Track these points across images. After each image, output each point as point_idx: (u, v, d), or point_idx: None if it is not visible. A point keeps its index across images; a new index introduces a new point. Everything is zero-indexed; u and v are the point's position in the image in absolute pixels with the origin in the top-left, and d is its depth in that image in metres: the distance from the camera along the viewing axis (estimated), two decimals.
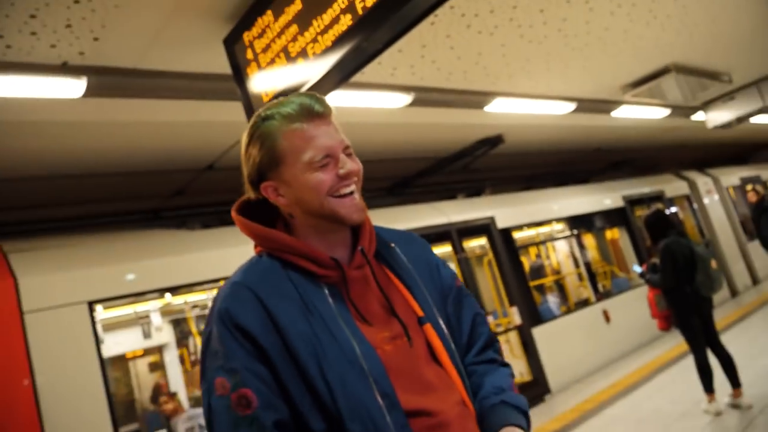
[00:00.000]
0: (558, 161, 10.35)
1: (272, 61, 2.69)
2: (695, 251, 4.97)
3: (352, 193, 1.24)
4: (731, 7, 4.82)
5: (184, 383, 7.19)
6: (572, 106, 6.36)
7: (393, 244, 1.38)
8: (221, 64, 3.04)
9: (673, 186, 11.11)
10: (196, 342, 7.18)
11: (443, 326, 1.29)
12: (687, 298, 4.93)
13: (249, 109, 2.89)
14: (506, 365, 1.38)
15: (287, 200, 1.25)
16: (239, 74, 2.90)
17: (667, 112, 8.01)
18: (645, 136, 9.98)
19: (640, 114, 7.64)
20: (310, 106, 1.21)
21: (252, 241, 1.31)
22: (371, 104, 4.51)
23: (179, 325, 7.50)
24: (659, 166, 13.04)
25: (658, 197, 10.51)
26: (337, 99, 3.98)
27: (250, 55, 2.81)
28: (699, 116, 8.60)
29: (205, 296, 6.06)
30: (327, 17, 2.35)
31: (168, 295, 5.56)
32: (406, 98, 4.62)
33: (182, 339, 7.53)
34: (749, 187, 11.78)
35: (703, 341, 4.98)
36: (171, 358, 7.52)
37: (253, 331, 1.13)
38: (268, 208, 1.32)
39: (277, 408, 1.11)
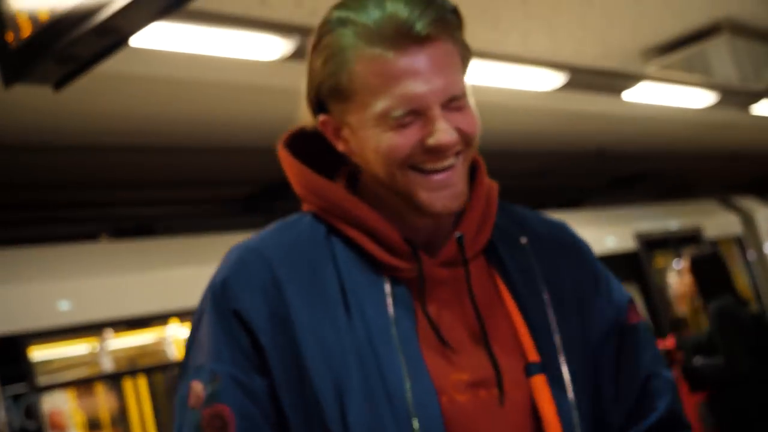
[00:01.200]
0: (536, 170, 10.68)
1: None
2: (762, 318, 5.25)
3: (445, 168, 1.22)
4: None
5: None
6: (561, 78, 6.62)
7: (525, 240, 1.38)
8: None
9: (716, 221, 11.60)
10: None
11: (568, 383, 1.26)
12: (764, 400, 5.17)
13: (2, 46, 2.80)
14: None
15: (350, 150, 1.27)
16: None
17: (712, 97, 8.47)
18: (675, 136, 10.47)
19: (669, 99, 8.08)
20: (406, 23, 1.16)
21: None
22: (225, 51, 4.50)
23: None
24: (695, 187, 13.66)
25: (693, 238, 10.92)
26: (165, 37, 3.94)
27: None
28: (763, 108, 9.14)
29: None
30: None
31: None
32: (286, 43, 4.64)
33: None
34: None
35: None
36: None
37: (254, 323, 1.18)
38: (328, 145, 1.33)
39: None
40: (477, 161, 1.38)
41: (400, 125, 1.18)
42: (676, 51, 6.59)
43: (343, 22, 1.20)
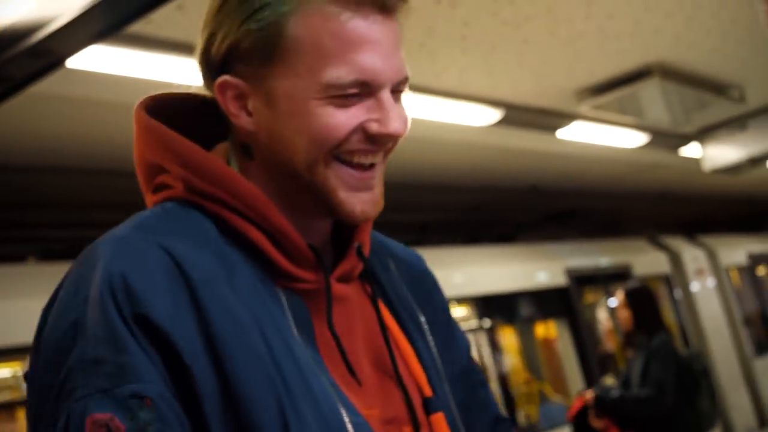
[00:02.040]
0: (470, 204, 10.75)
1: None
2: (694, 364, 5.39)
3: (371, 166, 1.11)
4: None
5: None
6: (497, 114, 6.68)
7: (393, 265, 1.30)
8: None
9: (645, 259, 11.82)
10: None
11: (459, 422, 1.20)
12: None
13: None
14: None
15: (254, 125, 1.11)
16: None
17: (642, 138, 8.63)
18: (605, 175, 10.62)
19: (601, 138, 8.21)
20: None
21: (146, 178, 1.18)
22: (157, 73, 4.49)
23: None
24: (625, 225, 13.85)
25: (622, 275, 11.02)
26: (96, 59, 3.95)
27: None
28: (692, 150, 9.33)
29: None
30: None
31: None
32: None
33: None
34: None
35: None
36: None
37: (173, 337, 0.95)
38: (208, 121, 1.18)
39: None
40: None
41: (344, 102, 1.05)
42: (609, 92, 6.70)
43: None
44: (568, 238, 11.31)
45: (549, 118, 7.33)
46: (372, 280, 1.20)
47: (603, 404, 5.42)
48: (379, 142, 1.08)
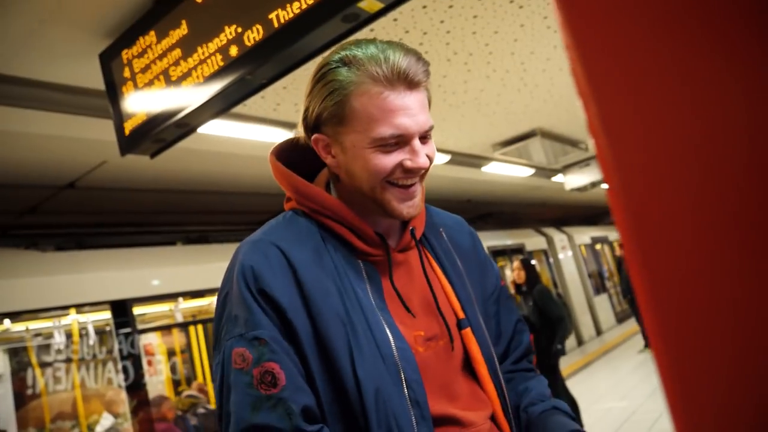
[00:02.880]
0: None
1: (150, 83, 2.60)
2: (560, 297, 5.51)
3: (413, 185, 1.06)
4: None
5: (15, 422, 6.49)
6: (447, 157, 6.66)
7: (442, 230, 1.23)
8: (95, 79, 2.89)
9: (533, 240, 11.96)
10: (36, 374, 6.54)
11: (485, 332, 1.14)
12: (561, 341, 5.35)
13: (120, 129, 2.76)
14: (540, 375, 1.25)
15: (336, 163, 1.08)
16: (113, 92, 2.77)
17: (531, 171, 8.62)
18: (511, 192, 10.65)
19: (508, 171, 8.17)
20: (405, 72, 1.00)
21: (285, 192, 1.14)
22: (250, 136, 4.47)
23: (17, 355, 6.81)
24: (522, 221, 13.93)
25: (520, 250, 11.22)
26: (213, 127, 3.93)
27: (127, 73, 2.69)
28: (559, 178, 9.34)
29: (51, 324, 5.65)
30: (213, 46, 2.33)
31: (6, 320, 5.08)
32: (288, 134, 4.62)
33: (19, 371, 6.82)
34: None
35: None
36: (4, 391, 6.76)
37: (281, 302, 0.96)
38: (314, 157, 1.13)
39: (306, 392, 0.94)
40: None
41: (387, 149, 1.02)
42: (511, 145, 6.68)
43: (346, 63, 1.02)
44: (489, 229, 11.36)
45: (477, 160, 7.29)
46: (427, 245, 1.18)
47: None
48: (413, 172, 1.04)
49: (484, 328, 1.13)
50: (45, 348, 6.05)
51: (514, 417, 1.13)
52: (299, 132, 1.13)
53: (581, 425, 1.12)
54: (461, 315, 1.11)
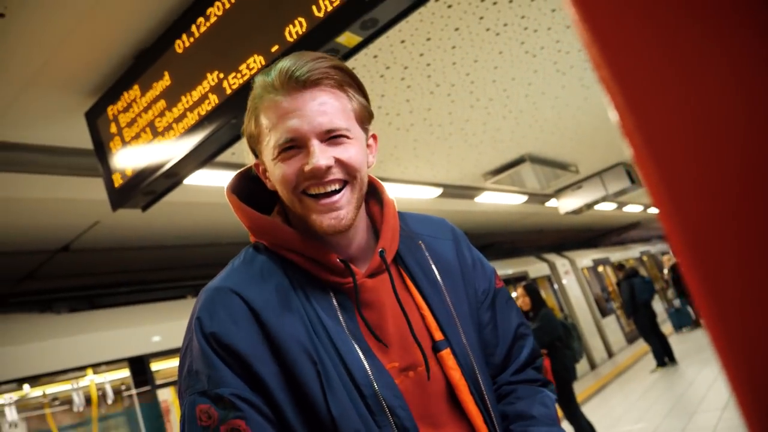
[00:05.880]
0: None
1: (137, 136, 2.62)
2: (566, 322, 5.47)
3: (329, 194, 0.97)
4: (573, 107, 5.42)
5: None
6: (439, 191, 6.69)
7: (421, 242, 1.13)
8: (83, 139, 2.91)
9: (535, 267, 11.95)
10: None
11: (469, 352, 1.04)
12: (568, 364, 5.28)
13: (110, 184, 2.77)
14: (548, 384, 1.14)
15: (273, 187, 1.02)
16: (101, 148, 2.79)
17: (524, 198, 8.64)
18: (507, 221, 10.66)
19: (501, 200, 8.18)
20: (289, 71, 0.95)
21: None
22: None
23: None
24: (521, 249, 13.90)
25: (523, 278, 11.22)
26: (201, 178, 3.94)
27: (113, 128, 2.72)
28: (553, 203, 9.36)
29: (69, 387, 5.63)
30: (196, 93, 2.35)
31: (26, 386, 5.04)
32: None
33: None
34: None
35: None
36: None
37: (244, 353, 0.89)
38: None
39: None
40: (377, 186, 1.15)
41: (287, 156, 0.96)
42: (501, 173, 6.72)
43: (256, 82, 1.00)
44: (491, 259, 11.34)
45: (469, 191, 7.31)
46: (395, 269, 1.07)
47: None
48: (317, 176, 0.94)
49: (466, 347, 1.04)
50: (65, 409, 5.93)
51: None
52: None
53: None
54: (439, 336, 1.03)
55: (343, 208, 0.97)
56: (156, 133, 2.55)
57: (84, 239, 4.86)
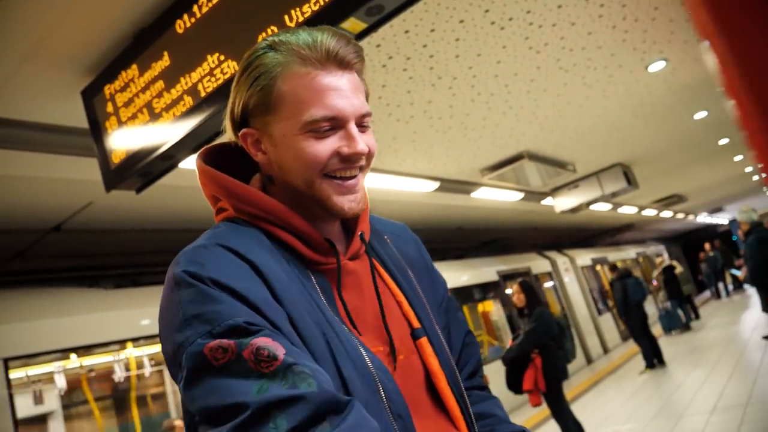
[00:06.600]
0: (422, 238, 10.71)
1: (134, 117, 2.58)
2: (560, 322, 5.47)
3: (352, 177, 0.95)
4: (574, 105, 5.39)
5: None
6: (436, 184, 6.66)
7: (387, 237, 1.13)
8: (78, 117, 2.86)
9: (537, 263, 12.38)
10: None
11: (443, 341, 1.04)
12: (559, 364, 5.28)
13: (105, 165, 2.73)
14: (494, 397, 1.15)
15: (268, 160, 0.97)
16: (97, 127, 2.74)
17: (520, 195, 8.63)
18: (501, 218, 10.65)
19: (497, 196, 8.17)
20: (334, 51, 0.92)
21: (213, 204, 1.01)
22: None
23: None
24: (515, 247, 13.94)
25: (526, 273, 11.70)
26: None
27: (110, 108, 2.67)
28: (548, 201, 9.35)
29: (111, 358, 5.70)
30: (196, 75, 2.31)
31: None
32: None
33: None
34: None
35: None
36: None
37: (252, 298, 0.81)
38: (243, 160, 1.02)
39: (313, 360, 0.81)
40: None
41: (319, 135, 0.92)
42: (499, 169, 6.69)
43: (273, 47, 0.94)
44: (493, 254, 11.91)
45: (466, 186, 7.29)
46: (372, 255, 1.04)
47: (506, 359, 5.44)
48: (352, 160, 0.93)
49: (441, 337, 1.04)
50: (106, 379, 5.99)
51: None
52: (228, 135, 1.02)
53: None
54: (416, 324, 1.01)
55: (359, 192, 0.97)
56: (153, 115, 2.50)
57: (76, 220, 4.80)
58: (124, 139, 2.64)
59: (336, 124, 0.93)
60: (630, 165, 8.75)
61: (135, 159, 2.61)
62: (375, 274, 1.01)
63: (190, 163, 3.59)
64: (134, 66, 2.55)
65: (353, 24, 1.94)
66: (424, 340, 1.00)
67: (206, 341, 0.77)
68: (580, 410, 5.45)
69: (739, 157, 11.89)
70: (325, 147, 0.92)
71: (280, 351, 0.77)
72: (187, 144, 2.50)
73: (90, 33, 2.60)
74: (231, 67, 2.19)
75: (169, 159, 2.62)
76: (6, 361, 4.14)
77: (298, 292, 0.88)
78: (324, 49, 0.92)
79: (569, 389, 9.23)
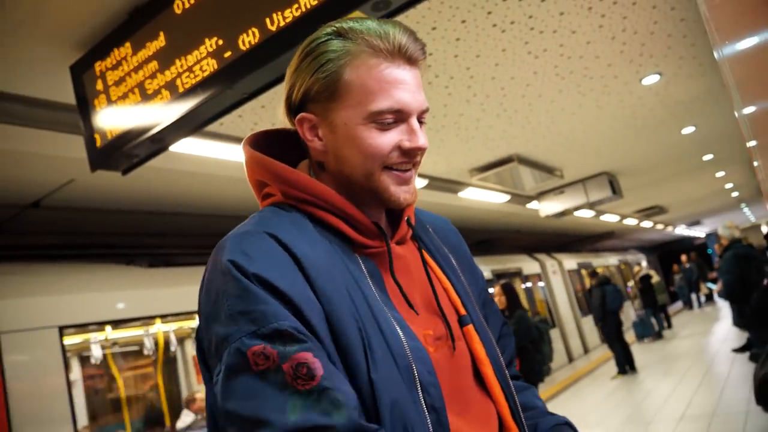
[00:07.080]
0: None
1: (124, 96, 2.49)
2: (539, 325, 5.52)
3: (409, 170, 0.96)
4: (567, 112, 5.38)
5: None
6: (424, 182, 6.62)
7: (430, 227, 1.14)
8: (64, 93, 2.76)
9: (528, 265, 12.79)
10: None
11: (488, 329, 1.05)
12: (536, 367, 5.32)
13: (91, 143, 2.64)
14: (531, 386, 1.18)
15: (324, 147, 0.96)
16: (85, 105, 2.65)
17: (507, 198, 8.63)
18: (486, 219, 10.64)
19: (484, 197, 8.16)
20: (405, 47, 0.92)
21: (258, 190, 1.01)
22: (227, 156, 4.35)
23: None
24: (500, 248, 13.98)
25: (518, 273, 12.10)
26: (187, 146, 3.80)
27: (100, 86, 2.58)
28: (534, 205, 9.37)
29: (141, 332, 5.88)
30: (192, 58, 2.23)
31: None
32: None
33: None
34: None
35: None
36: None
37: (294, 298, 0.81)
38: (284, 148, 1.03)
39: (348, 383, 0.81)
40: None
41: (384, 127, 0.92)
42: (488, 171, 6.69)
43: (340, 34, 0.94)
44: (486, 255, 12.13)
45: (454, 185, 7.27)
46: (419, 240, 1.06)
47: None
48: (412, 154, 0.95)
49: (485, 325, 1.06)
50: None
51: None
52: (281, 120, 1.02)
53: None
54: (462, 311, 1.03)
55: (413, 184, 0.99)
56: (145, 95, 2.42)
57: (56, 197, 4.68)
58: (113, 119, 2.55)
59: (400, 117, 0.93)
60: (616, 174, 8.79)
61: (123, 140, 2.52)
62: (424, 256, 1.02)
63: (181, 146, 3.54)
64: (128, 44, 2.46)
65: (358, 15, 1.88)
66: (470, 327, 1.01)
67: (252, 341, 0.78)
68: (556, 409, 5.47)
69: (720, 173, 12.02)
70: (388, 139, 0.93)
71: (318, 371, 0.77)
72: (179, 128, 2.43)
73: (82, 6, 2.51)
74: (230, 51, 2.12)
75: (159, 142, 2.55)
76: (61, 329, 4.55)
77: (340, 276, 0.88)
78: (396, 42, 0.92)
79: (551, 384, 9.51)
